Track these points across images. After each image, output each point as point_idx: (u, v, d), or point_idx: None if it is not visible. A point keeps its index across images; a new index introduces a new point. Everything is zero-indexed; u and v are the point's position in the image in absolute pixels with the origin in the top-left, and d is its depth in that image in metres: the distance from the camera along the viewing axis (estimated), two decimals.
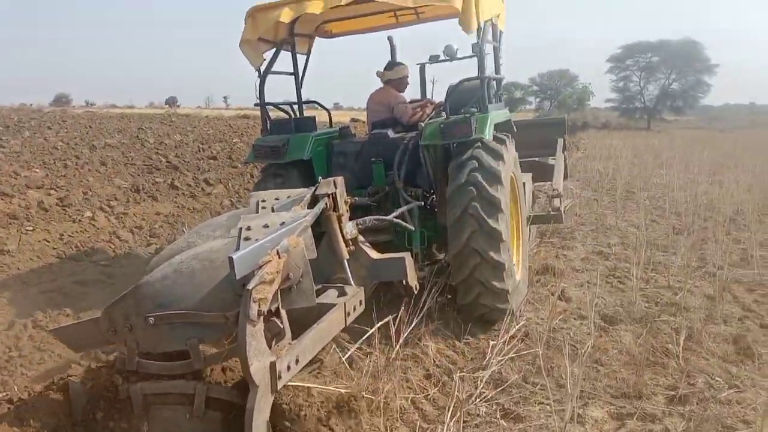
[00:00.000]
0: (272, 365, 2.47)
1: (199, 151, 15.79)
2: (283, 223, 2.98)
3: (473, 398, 3.55)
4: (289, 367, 2.57)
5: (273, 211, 3.29)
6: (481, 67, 5.09)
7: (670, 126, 63.50)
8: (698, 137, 39.07)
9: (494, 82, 5.71)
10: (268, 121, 5.65)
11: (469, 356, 4.30)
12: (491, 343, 4.18)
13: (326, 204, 3.39)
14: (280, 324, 2.66)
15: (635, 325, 4.77)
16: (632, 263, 6.53)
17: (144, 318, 2.65)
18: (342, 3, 4.83)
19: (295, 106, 5.93)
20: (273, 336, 2.62)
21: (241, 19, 5.14)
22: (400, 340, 3.81)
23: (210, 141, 18.67)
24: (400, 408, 3.35)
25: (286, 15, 4.90)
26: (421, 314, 4.21)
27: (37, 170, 9.94)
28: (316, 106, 6.83)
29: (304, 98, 6.05)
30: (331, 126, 6.45)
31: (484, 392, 3.64)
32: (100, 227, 6.96)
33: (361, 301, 3.31)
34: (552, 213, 6.39)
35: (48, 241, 6.54)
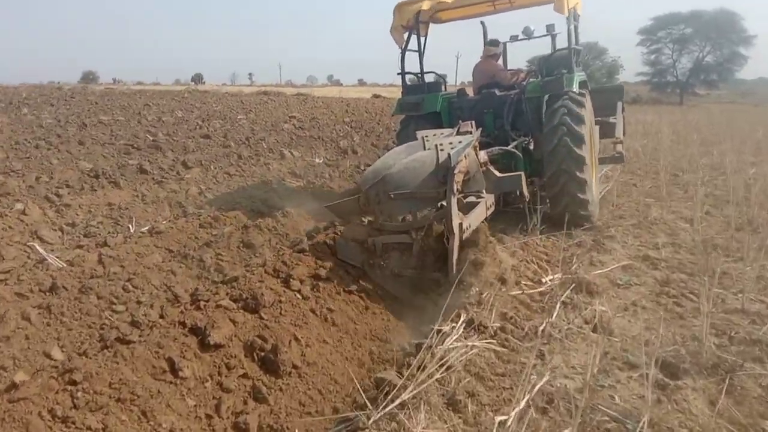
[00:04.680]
0: (460, 224, 4.08)
1: (195, 128, 14.53)
2: (461, 141, 4.58)
3: None
4: (467, 228, 4.20)
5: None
6: (570, 41, 6.88)
7: (702, 100, 60.71)
8: (736, 111, 36.74)
9: (576, 52, 7.05)
10: (406, 86, 7.41)
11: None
12: (497, 419, 2.79)
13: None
14: (464, 201, 4.59)
15: (707, 379, 3.33)
16: (689, 274, 5.10)
17: (387, 195, 4.37)
18: None
19: (419, 75, 7.51)
20: (459, 208, 4.22)
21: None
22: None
23: (212, 118, 17.40)
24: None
25: (426, 5, 6.65)
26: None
27: None
28: (434, 74, 7.91)
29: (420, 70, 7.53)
30: (446, 90, 7.72)
31: None
32: (28, 224, 5.68)
33: (493, 203, 4.93)
34: (616, 155, 7.89)
35: None
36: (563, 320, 4.10)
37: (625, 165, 11.05)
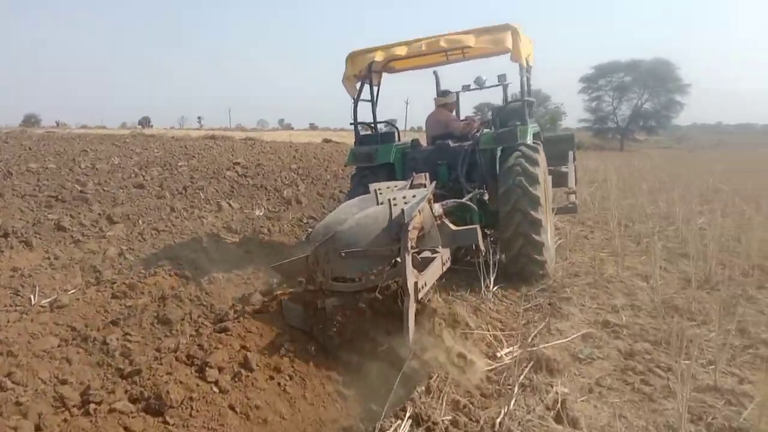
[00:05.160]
0: (415, 283, 3.93)
1: (130, 177, 13.73)
2: (414, 195, 4.59)
3: None
4: (423, 286, 4.06)
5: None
6: (523, 92, 6.90)
7: (641, 146, 62.88)
8: (674, 157, 38.00)
9: (528, 103, 7.04)
10: (359, 135, 7.33)
11: None
12: None
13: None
14: (418, 258, 4.43)
15: None
16: (653, 343, 4.71)
17: (338, 253, 4.17)
18: (423, 50, 6.55)
19: (372, 125, 7.48)
20: (414, 265, 4.09)
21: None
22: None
23: (151, 165, 16.58)
24: None
25: (379, 56, 6.65)
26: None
27: None
28: (387, 124, 7.93)
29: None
30: (399, 140, 7.67)
31: None
32: None
33: (449, 257, 4.85)
34: (570, 205, 8.00)
35: None
36: (522, 407, 3.60)
37: (577, 214, 10.87)
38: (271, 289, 5.04)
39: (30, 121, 73.50)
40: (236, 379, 3.58)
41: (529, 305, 5.60)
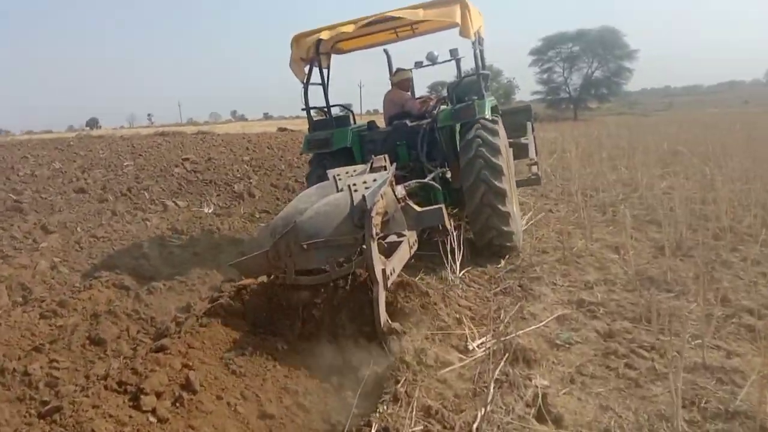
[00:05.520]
0: (383, 270, 3.74)
1: (72, 181, 12.94)
2: (375, 180, 4.27)
3: None
4: (391, 273, 3.90)
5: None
6: (477, 65, 6.63)
7: (594, 114, 63.51)
8: (629, 123, 38.37)
9: (484, 77, 6.86)
10: (312, 121, 7.04)
11: None
12: None
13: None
14: (384, 244, 4.21)
15: None
16: (632, 320, 4.43)
17: (300, 246, 3.96)
18: (370, 27, 6.53)
19: (325, 109, 7.18)
20: (380, 252, 3.91)
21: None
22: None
23: (95, 167, 15.72)
24: None
25: (325, 35, 6.25)
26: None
27: None
28: (341, 108, 7.95)
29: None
30: (354, 123, 7.45)
31: None
32: None
33: (416, 240, 4.68)
34: (532, 176, 7.91)
35: None
36: (500, 408, 3.25)
37: (539, 187, 10.63)
38: (218, 296, 4.58)
39: None
40: (177, 405, 3.14)
41: (499, 288, 5.27)
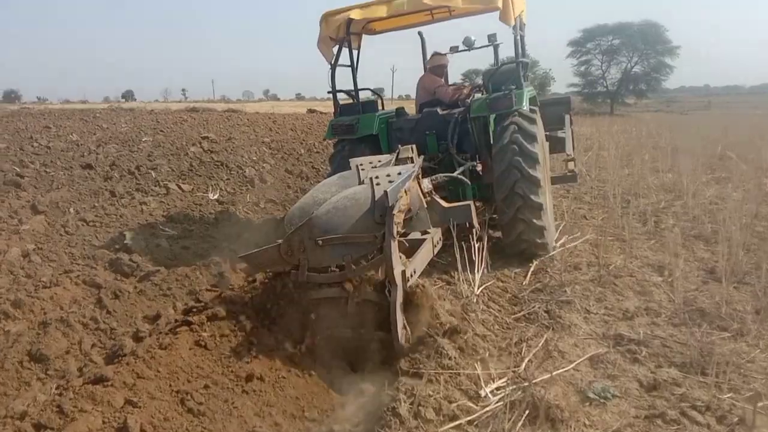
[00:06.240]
0: (403, 272, 3.54)
1: (83, 155, 12.44)
2: (400, 173, 4.06)
3: None
4: (412, 274, 3.67)
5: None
6: (517, 52, 6.22)
7: (631, 110, 61.67)
8: (668, 121, 36.89)
9: (523, 65, 6.40)
10: (338, 105, 6.63)
11: None
12: None
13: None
14: (405, 243, 3.91)
15: None
16: (681, 367, 3.67)
17: (314, 241, 3.68)
18: (405, 9, 5.92)
19: (352, 93, 6.82)
20: (401, 251, 3.70)
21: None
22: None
23: (111, 142, 15.23)
24: None
25: (356, 14, 6.00)
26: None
27: None
28: (369, 92, 7.46)
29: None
30: (383, 108, 7.06)
31: None
32: None
33: (440, 238, 4.44)
34: (568, 174, 7.58)
35: None
36: None
37: (573, 187, 9.82)
38: (192, 306, 3.93)
39: (10, 96, 71.44)
40: None
41: (522, 313, 4.53)
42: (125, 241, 5.54)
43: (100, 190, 8.40)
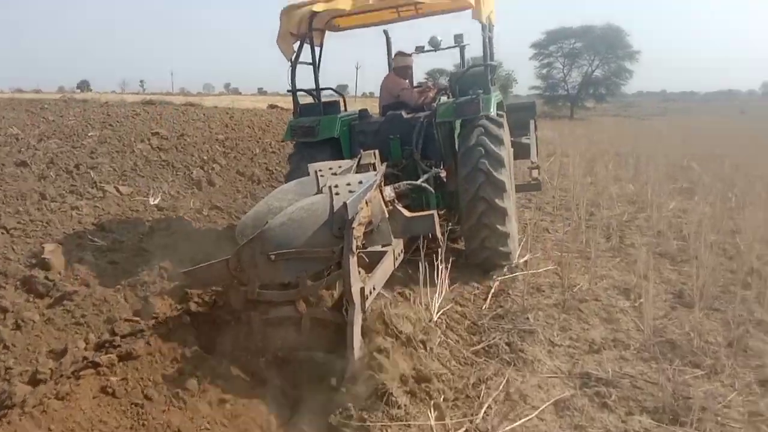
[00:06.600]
0: (362, 289, 3.28)
1: (20, 152, 11.61)
2: (361, 182, 3.83)
3: None
4: (371, 292, 3.43)
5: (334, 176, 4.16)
6: (486, 54, 6.02)
7: (590, 114, 62.34)
8: (628, 126, 37.36)
9: (491, 68, 6.18)
10: (299, 104, 6.38)
11: None
12: None
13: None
14: (365, 258, 3.66)
15: None
16: (653, 414, 3.32)
17: (267, 256, 3.39)
18: (371, 4, 5.74)
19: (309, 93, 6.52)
20: (361, 266, 3.48)
21: None
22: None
23: (54, 136, 14.34)
24: None
25: (319, 8, 5.58)
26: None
27: None
28: (332, 92, 7.17)
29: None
30: (345, 109, 6.88)
31: None
32: None
33: (402, 250, 4.29)
34: (532, 182, 7.40)
35: None
36: None
37: (535, 196, 9.54)
38: (106, 341, 3.41)
39: None
40: None
41: (481, 346, 4.12)
42: (43, 255, 4.94)
43: (29, 192, 7.70)
